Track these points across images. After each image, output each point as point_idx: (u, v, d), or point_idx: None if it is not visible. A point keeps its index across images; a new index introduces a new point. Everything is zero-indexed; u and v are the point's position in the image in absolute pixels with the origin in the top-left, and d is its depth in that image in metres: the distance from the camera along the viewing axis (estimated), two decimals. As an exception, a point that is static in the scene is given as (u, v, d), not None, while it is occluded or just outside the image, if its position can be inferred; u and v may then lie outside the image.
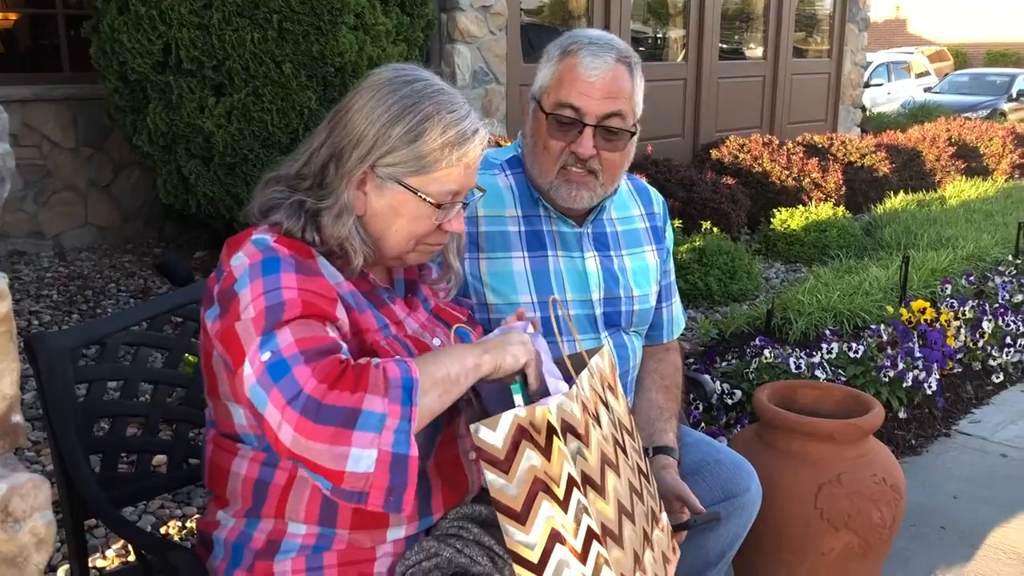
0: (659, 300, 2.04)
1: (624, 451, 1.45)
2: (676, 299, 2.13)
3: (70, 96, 5.72)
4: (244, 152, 4.76)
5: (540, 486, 1.24)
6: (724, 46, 8.75)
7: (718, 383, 3.33)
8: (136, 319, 1.81)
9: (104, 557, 2.54)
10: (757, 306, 4.76)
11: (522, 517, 1.24)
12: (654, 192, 2.10)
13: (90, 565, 2.00)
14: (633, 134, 1.82)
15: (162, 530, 2.68)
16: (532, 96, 1.85)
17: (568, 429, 1.27)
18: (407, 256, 1.45)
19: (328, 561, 1.38)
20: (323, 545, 1.37)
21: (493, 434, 1.25)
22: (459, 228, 1.45)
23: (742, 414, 3.23)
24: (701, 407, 3.02)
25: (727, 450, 2.03)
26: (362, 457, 1.15)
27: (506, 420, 1.24)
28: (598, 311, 1.89)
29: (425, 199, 1.37)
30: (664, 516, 1.58)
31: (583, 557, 1.24)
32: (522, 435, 1.24)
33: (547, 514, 1.24)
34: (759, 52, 9.22)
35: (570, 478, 1.24)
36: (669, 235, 2.09)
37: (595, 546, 1.25)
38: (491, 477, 1.25)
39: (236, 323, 1.27)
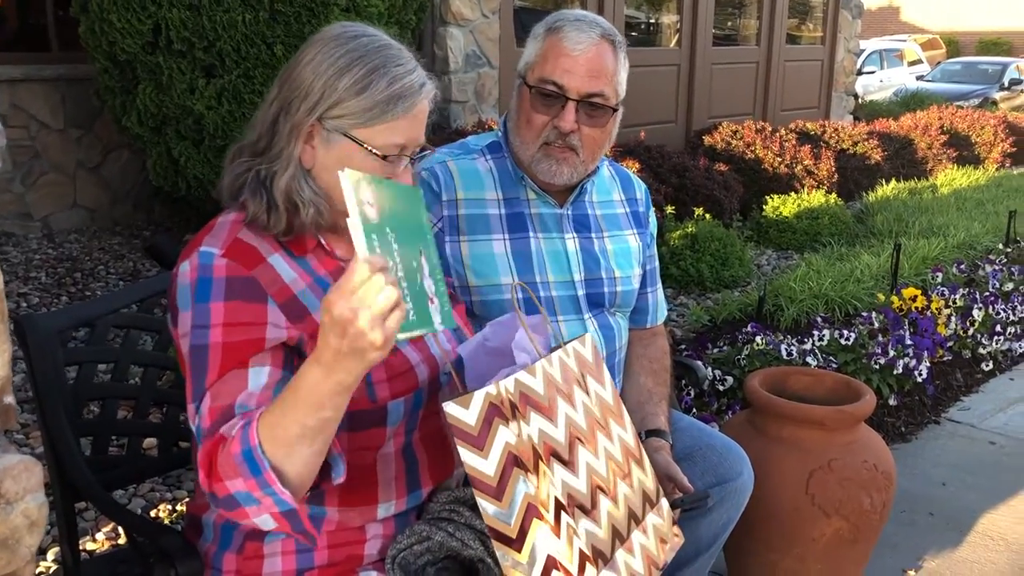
0: (644, 285, 2.04)
1: (608, 433, 1.45)
2: (660, 286, 2.14)
3: (59, 76, 5.67)
4: (235, 134, 4.71)
5: (514, 461, 1.23)
6: (717, 32, 8.73)
7: (709, 369, 3.33)
8: (126, 301, 1.80)
9: (94, 540, 2.53)
10: (749, 293, 4.76)
11: (498, 493, 1.24)
12: (636, 180, 2.11)
13: (80, 548, 1.99)
14: (615, 111, 1.83)
15: (152, 513, 2.67)
16: (518, 73, 1.86)
17: (529, 403, 1.27)
18: None
19: (319, 543, 1.39)
20: (313, 525, 1.38)
21: (466, 412, 1.23)
22: (407, 181, 1.42)
23: (733, 400, 3.24)
24: (693, 393, 3.03)
25: (719, 435, 2.03)
26: (265, 520, 1.20)
27: (478, 397, 1.23)
28: (580, 292, 1.89)
29: (371, 151, 1.37)
30: (664, 502, 1.58)
31: (556, 529, 1.24)
32: (495, 412, 1.23)
33: (523, 489, 1.24)
34: (752, 38, 9.20)
35: (535, 451, 1.25)
36: (652, 222, 2.09)
37: (563, 517, 1.25)
38: (466, 454, 1.24)
39: (183, 353, 1.32)
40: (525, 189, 1.88)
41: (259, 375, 1.29)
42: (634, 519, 1.45)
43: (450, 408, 1.23)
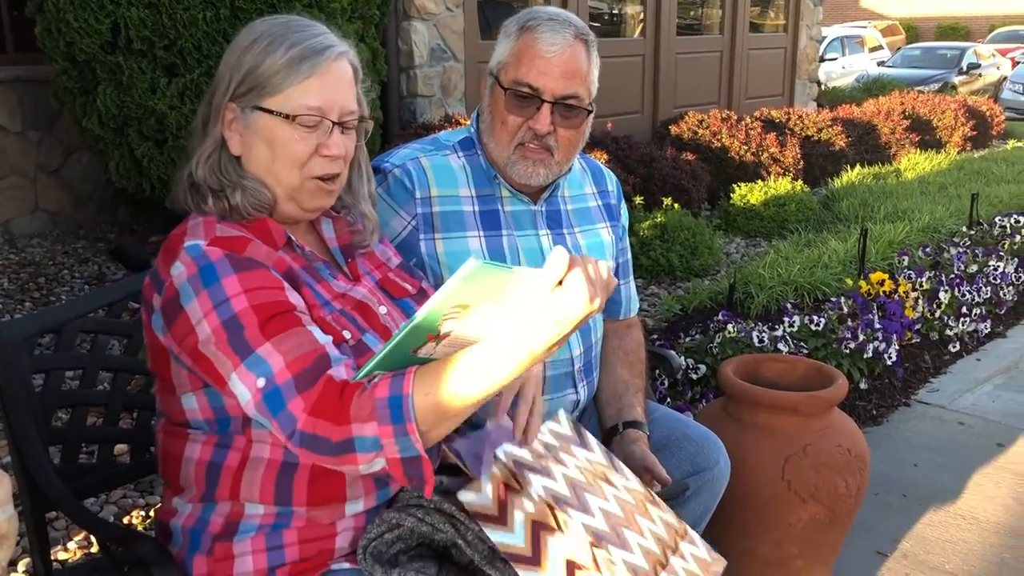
0: (616, 277, 2.04)
1: (610, 483, 1.49)
2: (632, 278, 2.14)
3: (16, 78, 5.55)
4: (199, 134, 4.65)
5: (540, 526, 1.31)
6: (680, 21, 8.75)
7: (683, 358, 3.34)
8: (94, 306, 1.77)
9: (66, 550, 2.49)
10: (719, 281, 4.79)
11: (536, 560, 1.30)
12: (607, 172, 2.10)
13: (52, 558, 1.95)
14: (590, 112, 1.82)
15: (125, 520, 2.63)
16: (490, 72, 1.84)
17: (524, 467, 1.37)
18: (300, 196, 1.41)
19: (288, 539, 1.37)
20: (282, 523, 1.37)
21: (480, 495, 1.32)
22: (338, 151, 1.40)
23: (707, 388, 3.25)
24: (667, 383, 3.03)
25: (694, 424, 2.04)
26: (372, 464, 1.20)
27: (486, 482, 1.33)
28: None
29: (286, 116, 1.36)
30: (687, 546, 1.54)
31: (597, 567, 1.30)
32: (505, 488, 1.33)
33: (558, 547, 1.30)
34: (716, 27, 9.23)
35: (549, 507, 1.32)
36: (624, 214, 2.09)
37: (599, 552, 1.30)
38: (493, 534, 1.30)
39: (198, 343, 1.28)
40: (498, 187, 1.87)
41: (319, 332, 1.30)
42: (668, 547, 1.46)
43: (466, 497, 1.31)
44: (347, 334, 1.37)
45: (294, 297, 1.32)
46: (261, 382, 1.23)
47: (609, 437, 1.92)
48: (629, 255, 2.10)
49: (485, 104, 1.86)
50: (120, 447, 1.82)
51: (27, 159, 5.69)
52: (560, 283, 1.08)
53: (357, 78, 1.44)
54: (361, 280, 1.52)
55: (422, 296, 1.60)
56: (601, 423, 1.97)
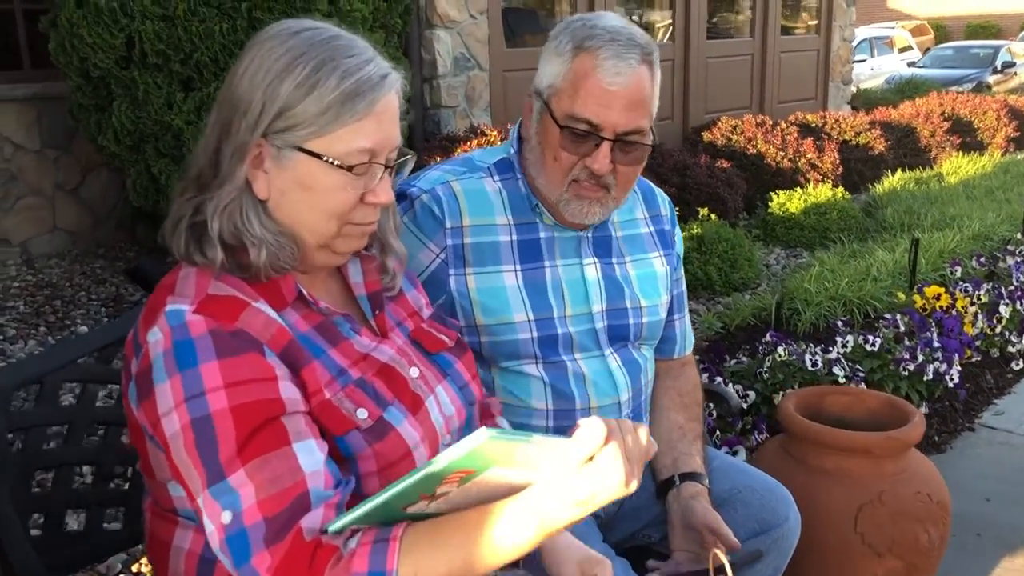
0: (671, 312, 1.82)
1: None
2: (687, 312, 1.91)
3: (33, 95, 5.43)
4: (216, 150, 4.49)
5: None
6: (710, 25, 8.51)
7: (730, 384, 3.11)
8: (82, 351, 1.57)
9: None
10: (761, 296, 4.55)
11: None
12: (660, 193, 1.87)
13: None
14: (653, 147, 1.60)
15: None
16: (537, 92, 1.59)
17: None
18: (335, 243, 1.21)
19: None
20: None
21: None
22: (387, 199, 1.20)
23: (758, 418, 3.01)
24: (714, 414, 2.80)
25: (759, 474, 1.81)
26: None
27: None
28: (600, 324, 1.66)
29: (333, 163, 1.14)
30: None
31: None
32: None
33: None
34: (746, 30, 8.98)
35: None
36: (678, 240, 1.86)
37: None
38: None
39: (168, 436, 1.08)
40: (540, 215, 1.65)
41: (308, 451, 1.08)
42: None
43: None
44: (362, 413, 1.16)
45: (288, 390, 1.11)
46: (227, 516, 1.03)
47: (664, 490, 1.71)
48: (684, 286, 1.88)
49: (532, 131, 1.62)
50: (112, 511, 1.63)
51: (45, 178, 5.56)
52: (591, 458, 0.93)
53: (401, 105, 1.23)
54: (389, 334, 1.30)
55: (461, 350, 1.38)
56: (654, 474, 1.75)
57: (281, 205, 1.17)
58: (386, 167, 1.19)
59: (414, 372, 1.27)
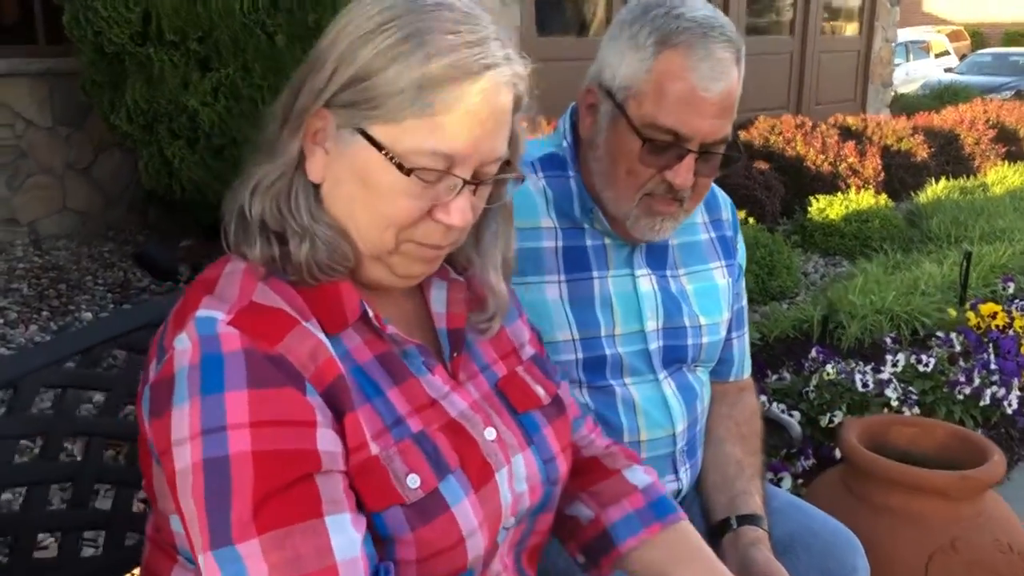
0: (729, 330, 1.59)
1: None
2: (747, 330, 1.68)
3: (47, 71, 5.26)
4: (232, 133, 4.30)
5: None
6: (749, 21, 8.25)
7: (774, 404, 2.88)
8: (63, 353, 1.36)
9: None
10: (801, 307, 4.30)
11: None
12: (722, 194, 1.62)
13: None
14: (739, 157, 1.38)
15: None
16: (607, 91, 1.33)
17: None
18: (392, 260, 0.97)
19: None
20: None
21: None
22: (460, 220, 0.95)
23: (805, 443, 2.78)
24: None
25: (823, 516, 1.58)
26: None
27: None
28: (654, 345, 1.43)
29: (392, 160, 0.91)
30: None
31: None
32: None
33: None
34: (786, 27, 8.70)
35: None
36: (741, 248, 1.62)
37: None
38: None
39: (176, 470, 0.88)
40: (592, 220, 1.41)
41: (343, 528, 0.86)
42: None
43: None
44: (414, 481, 0.93)
45: (327, 441, 0.89)
46: None
47: (719, 533, 1.47)
48: (745, 300, 1.64)
49: (599, 137, 1.36)
50: (92, 533, 1.42)
51: (56, 156, 5.39)
52: None
53: (519, 108, 0.98)
54: (466, 383, 1.06)
55: (557, 410, 1.12)
56: (707, 514, 1.52)
57: (335, 196, 0.96)
58: (468, 182, 0.94)
59: (490, 434, 1.03)
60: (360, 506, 0.90)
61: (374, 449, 0.92)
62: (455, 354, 1.06)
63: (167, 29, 4.21)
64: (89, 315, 4.16)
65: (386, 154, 0.91)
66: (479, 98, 0.90)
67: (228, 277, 0.95)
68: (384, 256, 0.97)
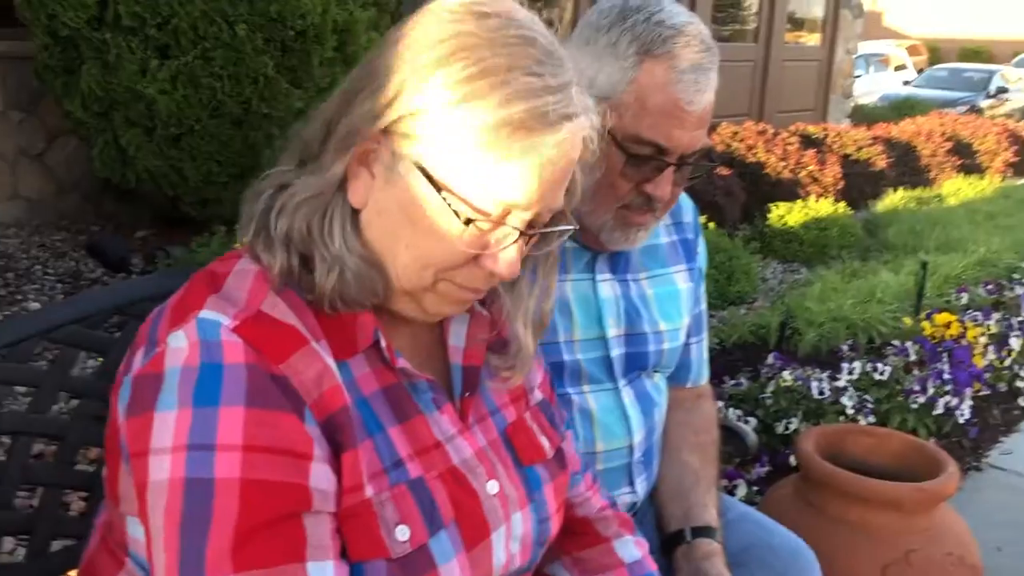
0: (689, 334, 1.56)
1: None
2: (706, 335, 1.66)
3: (1, 53, 5.11)
4: (190, 122, 4.22)
5: None
6: (714, 29, 8.29)
7: (731, 411, 2.87)
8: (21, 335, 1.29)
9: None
10: (760, 313, 4.32)
11: None
12: (684, 197, 1.59)
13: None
14: (714, 163, 1.36)
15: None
16: None
17: None
18: (424, 297, 0.91)
19: None
20: None
21: None
22: (507, 272, 0.89)
23: (761, 450, 2.78)
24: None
25: (780, 530, 1.56)
26: None
27: None
28: (615, 352, 1.41)
29: (451, 204, 0.84)
30: None
31: None
32: None
33: None
34: (751, 36, 8.77)
35: None
36: (702, 252, 1.60)
37: None
38: None
39: (150, 482, 0.81)
40: None
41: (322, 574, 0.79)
42: None
43: None
44: (403, 533, 0.86)
45: (320, 478, 0.83)
46: None
47: (672, 545, 1.45)
48: (704, 304, 1.62)
49: None
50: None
51: (7, 141, 5.24)
52: None
53: (585, 158, 0.90)
54: (474, 427, 0.99)
55: (558, 465, 1.06)
56: (661, 525, 1.50)
57: (375, 226, 0.88)
58: (523, 233, 0.88)
59: (492, 488, 0.96)
60: (344, 552, 0.85)
61: (368, 491, 0.86)
62: (467, 393, 0.99)
63: (124, 14, 4.11)
64: (37, 305, 4.05)
65: (444, 196, 0.84)
66: (554, 151, 0.84)
67: (238, 277, 0.88)
68: (417, 292, 0.91)
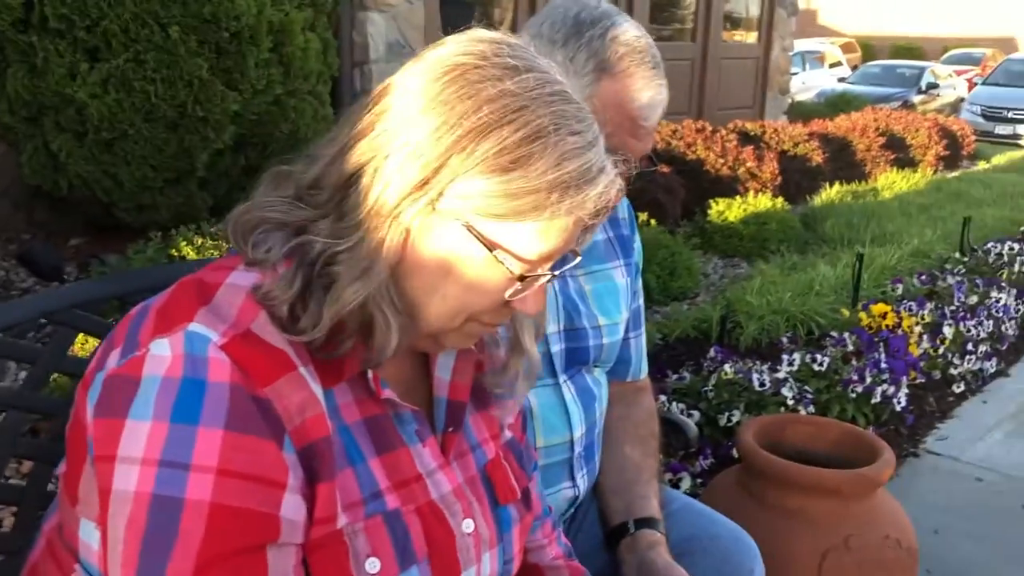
0: (628, 329, 1.58)
1: None
2: (644, 329, 1.67)
3: (-79, 58, 4.94)
4: (123, 127, 4.12)
5: None
6: (651, 28, 8.37)
7: (673, 404, 2.90)
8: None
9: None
10: (702, 307, 4.37)
11: None
12: None
13: None
14: (655, 165, 1.41)
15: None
16: None
17: None
18: (446, 336, 0.92)
19: None
20: None
21: None
22: (536, 308, 0.91)
23: (703, 441, 2.81)
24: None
25: (722, 520, 1.58)
26: None
27: None
28: (555, 347, 1.41)
29: (502, 261, 0.84)
30: None
31: None
32: None
33: None
34: (688, 35, 8.86)
35: None
36: (638, 247, 1.62)
37: None
38: None
39: (113, 491, 0.79)
40: None
41: None
42: None
43: None
44: (372, 566, 0.85)
45: (291, 508, 0.81)
46: None
47: (616, 538, 1.46)
48: (641, 299, 1.64)
49: None
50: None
51: (-69, 148, 5.08)
52: None
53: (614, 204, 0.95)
54: (454, 463, 0.98)
55: (525, 506, 1.05)
56: (604, 519, 1.51)
57: (410, 279, 0.87)
58: (553, 276, 0.90)
59: (467, 527, 0.95)
60: None
61: (341, 521, 0.84)
62: (450, 428, 0.98)
63: (51, 16, 4.00)
64: (-35, 317, 3.93)
65: (497, 255, 0.84)
66: (593, 204, 0.85)
67: (229, 291, 0.85)
68: (440, 335, 0.91)
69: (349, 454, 0.87)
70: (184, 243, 3.92)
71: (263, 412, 0.80)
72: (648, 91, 1.27)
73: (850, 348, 3.51)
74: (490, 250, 0.84)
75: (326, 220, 0.85)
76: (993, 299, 4.48)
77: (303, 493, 0.82)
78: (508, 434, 1.09)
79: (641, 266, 1.63)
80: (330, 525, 0.84)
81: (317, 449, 0.83)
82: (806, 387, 3.16)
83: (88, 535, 0.86)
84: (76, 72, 4.09)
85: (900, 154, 9.12)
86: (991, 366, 4.12)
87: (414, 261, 0.86)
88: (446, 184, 0.82)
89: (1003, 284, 4.70)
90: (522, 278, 0.86)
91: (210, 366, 0.79)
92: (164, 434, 0.78)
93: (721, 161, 6.58)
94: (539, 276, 0.88)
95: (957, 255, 5.48)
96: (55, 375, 1.24)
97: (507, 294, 0.87)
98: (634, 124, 1.27)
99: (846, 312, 4.14)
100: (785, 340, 3.76)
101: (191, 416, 0.78)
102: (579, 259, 0.97)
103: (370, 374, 0.89)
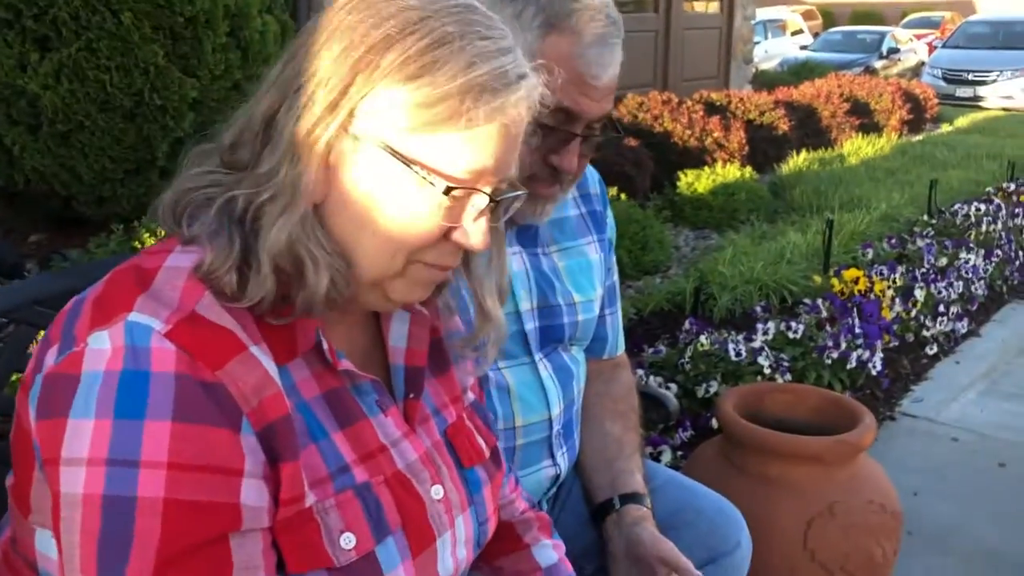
0: (602, 306, 1.55)
1: None
2: (620, 306, 1.65)
3: None
4: (79, 118, 4.02)
5: None
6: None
7: (651, 378, 2.88)
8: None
9: None
10: (674, 280, 4.36)
11: None
12: (590, 169, 1.57)
13: None
14: (620, 134, 1.36)
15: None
16: None
17: None
18: (392, 284, 0.87)
19: None
20: None
21: None
22: (480, 243, 0.87)
23: (683, 415, 2.79)
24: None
25: (707, 492, 1.57)
26: None
27: None
28: (529, 325, 1.38)
29: (426, 177, 0.81)
30: None
31: None
32: None
33: None
34: (650, 4, 8.81)
35: None
36: (611, 223, 1.59)
37: None
38: None
39: (62, 495, 0.75)
40: None
41: None
42: None
43: None
44: (348, 541, 0.83)
45: (252, 494, 0.78)
46: None
47: (601, 515, 1.44)
48: (616, 275, 1.61)
49: None
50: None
51: None
52: None
53: (533, 116, 0.89)
54: (418, 428, 0.96)
55: (495, 466, 1.04)
56: (588, 497, 1.49)
57: (338, 216, 0.84)
58: (492, 200, 0.86)
59: (436, 493, 0.93)
60: (281, 565, 0.80)
61: (310, 499, 0.81)
62: (411, 395, 0.95)
63: (-2, 6, 3.90)
64: (-76, 319, 3.83)
65: (417, 171, 0.81)
66: (515, 110, 0.82)
67: (169, 274, 0.81)
68: (384, 281, 0.87)
69: (311, 430, 0.84)
70: (147, 235, 3.83)
71: (215, 398, 0.76)
72: (597, 47, 1.22)
73: (824, 314, 3.52)
74: (408, 166, 0.81)
75: (247, 174, 0.83)
76: (962, 260, 4.51)
77: (265, 476, 0.79)
78: (471, 396, 1.08)
79: (614, 242, 1.60)
80: (298, 505, 0.81)
81: (277, 429, 0.79)
82: (782, 355, 3.16)
83: (45, 545, 0.83)
84: (26, 63, 3.97)
85: (865, 119, 9.16)
86: (963, 327, 4.15)
87: (339, 195, 0.83)
88: (356, 102, 0.80)
89: (971, 245, 4.73)
90: (448, 190, 0.82)
91: (153, 356, 0.76)
92: (109, 431, 0.74)
93: (688, 132, 6.56)
94: (471, 194, 0.84)
95: (925, 218, 5.51)
96: (15, 375, 1.19)
97: (441, 220, 0.84)
98: (582, 81, 1.21)
99: (818, 279, 4.15)
100: (759, 309, 3.76)
101: (136, 410, 0.74)
102: (523, 192, 0.92)
103: (325, 345, 0.86)
